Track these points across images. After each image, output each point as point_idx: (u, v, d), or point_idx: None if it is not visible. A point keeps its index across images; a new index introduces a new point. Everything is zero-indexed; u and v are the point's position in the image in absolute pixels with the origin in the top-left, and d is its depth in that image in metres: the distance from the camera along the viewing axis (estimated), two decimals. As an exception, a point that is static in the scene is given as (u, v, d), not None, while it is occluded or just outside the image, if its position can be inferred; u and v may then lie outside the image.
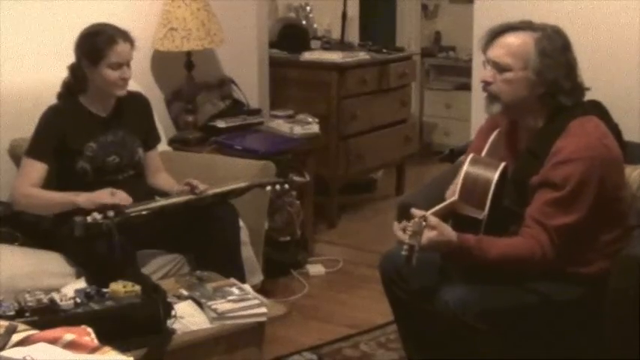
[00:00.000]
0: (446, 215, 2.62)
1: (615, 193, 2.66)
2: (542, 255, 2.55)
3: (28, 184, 3.19)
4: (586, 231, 2.60)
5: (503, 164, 2.69)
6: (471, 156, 2.76)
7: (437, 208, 2.59)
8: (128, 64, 3.28)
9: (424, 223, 2.43)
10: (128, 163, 3.36)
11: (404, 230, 2.46)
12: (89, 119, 3.31)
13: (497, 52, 2.66)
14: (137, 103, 3.47)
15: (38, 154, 3.23)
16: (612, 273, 2.60)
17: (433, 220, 2.47)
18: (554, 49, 2.62)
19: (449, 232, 2.51)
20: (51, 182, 3.22)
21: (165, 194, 3.34)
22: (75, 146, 3.25)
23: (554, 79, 2.62)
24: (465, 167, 2.69)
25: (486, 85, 2.69)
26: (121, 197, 3.08)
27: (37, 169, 3.21)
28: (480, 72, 2.77)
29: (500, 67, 2.65)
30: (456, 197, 2.67)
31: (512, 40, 2.65)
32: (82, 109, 3.31)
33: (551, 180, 2.57)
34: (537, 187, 2.60)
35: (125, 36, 3.27)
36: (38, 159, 3.22)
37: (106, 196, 3.07)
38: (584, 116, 2.64)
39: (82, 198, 3.08)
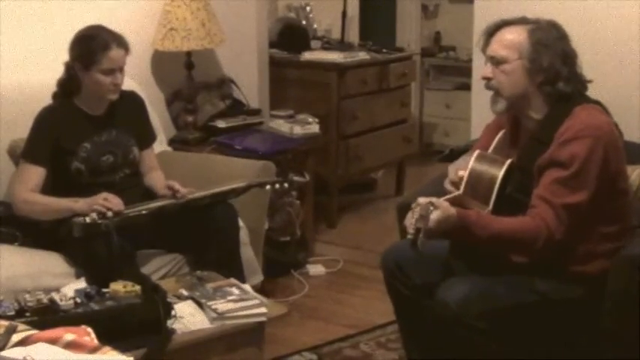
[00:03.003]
0: None
1: (617, 180, 2.66)
2: (548, 234, 2.53)
3: (28, 190, 3.19)
4: (589, 217, 2.59)
5: (509, 161, 2.70)
6: (477, 152, 2.76)
7: (441, 199, 2.58)
8: (121, 70, 3.26)
9: (431, 208, 2.44)
10: (123, 162, 3.35)
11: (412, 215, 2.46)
12: (83, 119, 3.30)
13: (492, 47, 2.71)
14: (131, 102, 3.46)
15: (35, 157, 3.22)
16: (612, 273, 2.60)
17: (437, 200, 2.48)
18: (549, 39, 2.65)
19: (448, 208, 2.50)
20: (47, 184, 3.22)
21: (154, 194, 3.34)
22: (69, 147, 3.24)
23: (549, 65, 2.63)
24: (471, 163, 2.70)
25: (487, 81, 2.72)
26: (114, 202, 3.08)
27: (34, 174, 3.21)
28: (481, 71, 2.78)
29: (496, 61, 2.69)
30: (460, 192, 2.67)
31: (507, 34, 2.70)
32: (76, 109, 3.31)
33: (557, 159, 2.57)
34: (544, 167, 2.60)
35: (120, 41, 3.25)
36: (35, 163, 3.21)
37: (100, 201, 3.07)
38: (587, 103, 2.66)
39: (80, 205, 3.08)
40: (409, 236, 2.40)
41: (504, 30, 2.71)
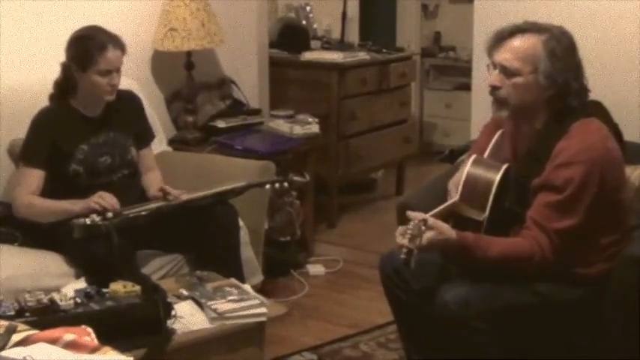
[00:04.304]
0: (447, 216, 2.62)
1: (615, 195, 2.65)
2: (542, 257, 2.56)
3: (27, 193, 3.18)
4: (586, 233, 2.60)
5: (505, 166, 2.69)
6: (473, 157, 2.75)
7: (438, 209, 2.59)
8: (118, 71, 3.25)
9: (423, 228, 2.44)
10: (121, 163, 3.35)
11: (403, 234, 2.46)
12: (80, 121, 3.30)
13: (505, 56, 2.62)
14: (128, 102, 3.45)
15: (33, 161, 3.22)
16: (614, 273, 2.59)
17: (431, 220, 2.47)
18: (563, 51, 2.60)
19: (448, 230, 2.52)
20: (46, 187, 3.22)
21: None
22: (66, 149, 3.24)
23: (564, 82, 2.60)
24: (467, 168, 2.69)
25: (494, 89, 2.66)
26: (108, 200, 3.07)
27: (34, 177, 3.20)
28: (485, 75, 2.73)
29: (508, 72, 2.61)
30: (457, 198, 2.67)
31: (520, 43, 2.61)
32: (72, 111, 3.30)
33: (552, 183, 2.57)
34: (538, 189, 2.59)
35: (116, 42, 3.24)
36: (34, 166, 3.21)
37: (95, 199, 3.07)
38: (585, 118, 2.63)
39: (78, 207, 3.08)
40: (402, 256, 2.40)
41: (517, 38, 2.62)
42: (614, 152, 2.65)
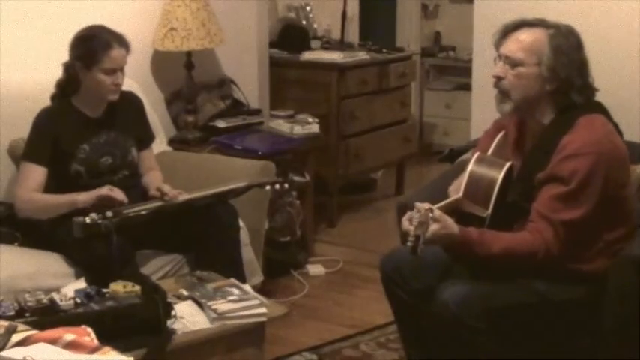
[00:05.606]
0: (450, 212, 2.62)
1: (619, 191, 2.65)
2: (546, 250, 2.55)
3: (30, 190, 3.19)
4: (590, 229, 2.60)
5: (508, 164, 2.70)
6: (476, 155, 2.76)
7: (441, 204, 2.59)
8: (122, 70, 3.26)
9: (431, 215, 2.44)
10: (121, 163, 3.35)
11: (410, 221, 2.45)
12: (81, 121, 3.30)
13: (510, 47, 2.66)
14: (129, 102, 3.46)
15: (36, 158, 3.22)
16: (612, 273, 2.59)
17: (437, 212, 2.48)
18: (568, 47, 2.63)
19: (451, 225, 2.51)
20: (48, 187, 3.22)
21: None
22: (68, 149, 3.24)
23: (566, 77, 2.62)
24: (471, 166, 2.70)
25: (498, 80, 2.68)
26: (117, 193, 3.09)
27: (36, 174, 3.21)
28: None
29: (512, 62, 2.64)
30: (460, 195, 2.67)
31: (526, 36, 2.65)
32: (74, 110, 3.31)
33: (557, 175, 2.57)
34: (544, 182, 2.60)
35: (120, 41, 3.25)
36: (36, 163, 3.21)
37: (105, 190, 3.08)
38: (591, 114, 2.65)
39: (83, 197, 3.09)
40: (409, 243, 2.40)
41: (523, 30, 2.66)
42: (619, 147, 2.66)
